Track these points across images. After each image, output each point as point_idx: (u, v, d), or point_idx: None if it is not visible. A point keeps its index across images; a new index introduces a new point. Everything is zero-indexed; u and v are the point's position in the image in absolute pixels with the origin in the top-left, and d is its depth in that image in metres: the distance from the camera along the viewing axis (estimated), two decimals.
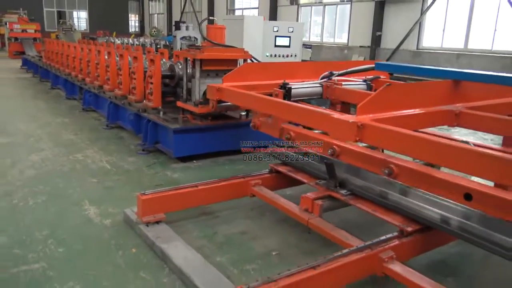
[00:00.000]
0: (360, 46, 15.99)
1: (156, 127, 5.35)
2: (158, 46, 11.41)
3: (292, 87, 3.37)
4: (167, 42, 13.61)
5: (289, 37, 8.11)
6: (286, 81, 3.47)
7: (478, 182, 2.18)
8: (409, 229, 2.73)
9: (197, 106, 4.93)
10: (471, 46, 12.87)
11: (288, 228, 3.49)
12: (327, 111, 2.73)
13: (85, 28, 31.15)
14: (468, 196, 2.11)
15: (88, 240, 3.20)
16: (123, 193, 4.11)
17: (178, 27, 6.96)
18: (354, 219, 3.59)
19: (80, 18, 32.10)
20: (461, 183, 2.13)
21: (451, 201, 2.65)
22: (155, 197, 3.33)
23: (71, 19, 30.19)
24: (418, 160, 2.73)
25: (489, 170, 1.92)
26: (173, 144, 4.93)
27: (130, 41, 14.71)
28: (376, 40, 15.28)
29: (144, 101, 5.76)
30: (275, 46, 8.09)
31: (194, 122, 5.12)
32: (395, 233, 2.74)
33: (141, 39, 16.01)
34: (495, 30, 12.23)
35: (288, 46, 8.17)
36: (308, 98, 3.56)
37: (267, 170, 3.92)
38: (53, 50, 10.84)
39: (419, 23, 14.04)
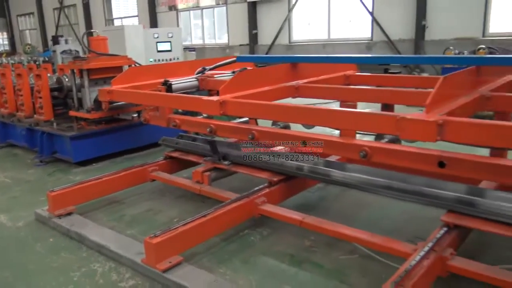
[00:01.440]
0: (240, 45, 17.11)
1: (52, 137, 5.61)
2: (37, 63, 11.19)
3: (173, 83, 4.03)
4: (46, 58, 13.28)
5: (170, 42, 8.75)
6: (167, 79, 4.12)
7: (312, 132, 3.08)
8: (275, 179, 3.59)
9: (90, 112, 5.33)
10: (333, 36, 14.67)
11: (186, 201, 4.15)
12: (199, 97, 3.46)
13: None
14: (303, 143, 3.01)
15: (6, 239, 3.53)
16: (29, 199, 4.40)
17: (56, 42, 7.11)
18: (238, 185, 4.36)
19: None
20: (300, 135, 3.02)
21: (308, 154, 3.56)
22: (64, 192, 3.76)
23: None
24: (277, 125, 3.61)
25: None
26: (72, 151, 5.28)
27: (4, 60, 14.01)
28: (253, 38, 16.51)
29: (35, 115, 5.95)
30: (158, 51, 8.66)
31: (89, 128, 5.50)
32: (266, 184, 3.59)
33: (16, 58, 15.27)
34: (350, 21, 14.16)
35: (170, 50, 8.80)
36: (187, 91, 4.25)
37: (162, 157, 4.54)
38: None
39: (288, 20, 15.55)
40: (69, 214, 3.74)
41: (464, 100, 2.45)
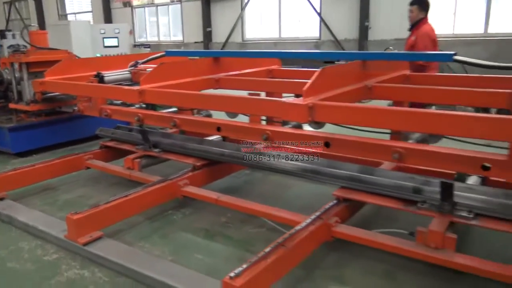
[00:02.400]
0: (195, 42, 17.31)
1: None
2: None
3: (105, 75, 4.26)
4: None
5: (117, 37, 8.88)
6: (101, 71, 4.35)
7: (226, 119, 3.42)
8: (198, 164, 3.91)
9: (29, 105, 5.44)
10: (284, 35, 15.16)
11: (120, 187, 4.35)
12: (121, 86, 3.73)
13: None
14: (218, 129, 3.34)
15: None
16: None
17: (4, 36, 7.10)
18: (170, 171, 4.63)
19: None
20: (215, 121, 3.35)
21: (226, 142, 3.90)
22: None
23: None
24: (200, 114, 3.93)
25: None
26: (10, 142, 5.38)
27: None
28: (207, 35, 16.76)
29: None
30: (104, 47, 8.77)
31: (29, 120, 5.62)
32: (190, 169, 3.90)
33: None
34: (299, 21, 14.68)
35: (117, 46, 8.93)
36: (120, 83, 4.48)
37: (99, 148, 4.76)
38: None
39: (241, 18, 15.90)
40: (1, 199, 3.90)
41: (345, 89, 2.86)
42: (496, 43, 11.13)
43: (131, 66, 4.57)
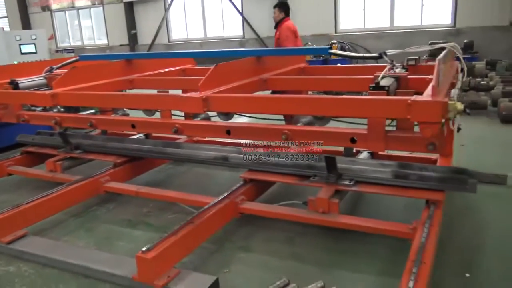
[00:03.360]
0: (120, 45, 17.13)
1: None
2: None
3: (20, 82, 4.35)
4: None
5: (34, 43, 8.72)
6: (15, 78, 4.42)
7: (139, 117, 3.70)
8: (119, 161, 4.14)
9: None
10: (209, 35, 15.47)
11: (43, 191, 4.41)
12: (34, 92, 3.91)
13: None
14: (133, 126, 3.61)
15: None
16: None
17: None
18: (93, 171, 4.81)
19: None
20: (129, 119, 3.61)
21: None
22: None
23: None
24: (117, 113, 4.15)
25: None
26: None
27: None
28: (133, 38, 16.67)
29: None
30: (22, 53, 8.59)
31: None
32: (111, 166, 4.13)
33: None
34: (223, 20, 15.07)
35: (35, 52, 8.77)
36: (37, 89, 4.58)
37: (19, 153, 4.82)
38: None
39: (165, 19, 16.00)
40: None
41: (241, 83, 3.26)
42: (401, 35, 12.22)
43: (46, 72, 4.67)
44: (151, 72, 4.44)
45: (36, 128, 5.11)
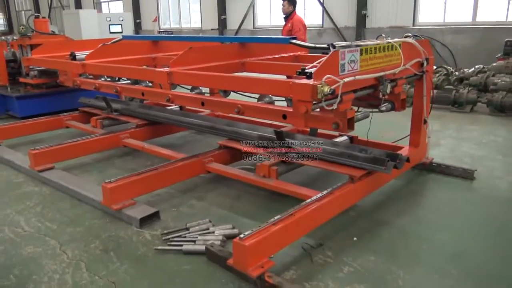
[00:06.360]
0: (212, 29, 18.49)
1: (5, 98, 7.15)
2: None
3: (77, 54, 5.51)
4: None
5: (121, 24, 10.19)
6: (74, 51, 5.61)
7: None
8: (140, 123, 5.10)
9: (32, 79, 6.84)
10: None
11: None
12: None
13: None
14: (202, 104, 4.51)
15: None
16: None
17: None
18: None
19: None
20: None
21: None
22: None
23: None
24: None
25: None
26: (18, 108, 6.82)
27: None
28: (222, 22, 17.88)
29: None
30: (110, 32, 10.11)
31: (33, 91, 7.02)
32: (133, 126, 5.10)
33: (8, 37, 16.71)
34: (304, 9, 15.49)
35: (121, 32, 10.25)
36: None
37: (77, 111, 6.07)
38: None
39: (252, 6, 16.90)
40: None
41: (216, 64, 3.95)
42: (482, 31, 11.56)
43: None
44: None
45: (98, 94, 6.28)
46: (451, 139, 5.51)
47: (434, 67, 7.93)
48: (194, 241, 2.97)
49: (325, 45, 3.60)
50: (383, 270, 2.67)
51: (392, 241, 3.03)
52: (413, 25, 12.89)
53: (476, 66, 7.94)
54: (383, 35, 4.61)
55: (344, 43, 3.31)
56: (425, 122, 4.12)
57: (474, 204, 3.64)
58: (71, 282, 2.61)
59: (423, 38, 4.25)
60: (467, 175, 4.15)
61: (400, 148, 4.14)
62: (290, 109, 3.27)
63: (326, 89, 2.61)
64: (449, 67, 8.21)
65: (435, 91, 7.01)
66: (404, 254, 2.87)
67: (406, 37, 9.68)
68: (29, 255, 2.93)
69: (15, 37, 14.22)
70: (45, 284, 2.59)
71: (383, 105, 3.48)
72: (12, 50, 7.70)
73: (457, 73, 7.90)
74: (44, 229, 3.30)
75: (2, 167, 4.77)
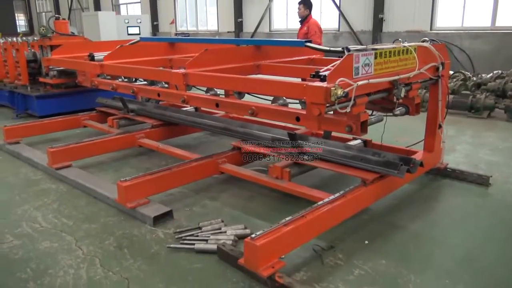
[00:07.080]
0: (228, 32, 18.61)
1: (25, 97, 7.32)
2: None
3: (95, 55, 5.62)
4: None
5: (139, 26, 10.35)
6: (93, 52, 5.72)
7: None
8: (155, 123, 5.17)
9: (52, 79, 6.99)
10: None
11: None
12: (85, 62, 5.08)
13: None
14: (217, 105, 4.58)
15: None
16: None
17: None
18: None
19: None
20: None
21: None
22: (14, 128, 5.43)
23: None
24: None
25: None
26: (37, 107, 6.97)
27: (19, 39, 15.83)
28: (238, 25, 17.99)
29: (16, 81, 7.66)
30: (128, 34, 10.27)
31: (52, 91, 7.17)
32: (149, 126, 5.18)
33: (29, 38, 17.11)
34: (321, 13, 15.49)
35: (139, 34, 10.40)
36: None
37: (95, 111, 6.18)
38: None
39: (268, 10, 16.97)
40: (17, 143, 5.41)
41: (231, 66, 3.99)
42: (500, 36, 11.41)
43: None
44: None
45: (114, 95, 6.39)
46: (466, 144, 5.45)
47: (451, 72, 7.90)
48: (206, 240, 3.00)
49: (340, 49, 3.60)
50: (394, 273, 2.66)
51: (404, 245, 3.02)
52: (431, 29, 12.78)
53: (494, 72, 7.82)
54: (399, 39, 4.57)
55: (359, 47, 3.31)
56: (440, 127, 4.09)
57: (488, 209, 3.60)
58: (85, 277, 2.67)
59: (440, 43, 4.25)
60: (482, 181, 4.11)
61: (414, 152, 4.11)
62: (304, 112, 3.28)
63: (340, 91, 2.62)
64: (466, 72, 8.13)
65: (451, 96, 6.95)
66: (415, 258, 2.86)
67: (423, 41, 9.61)
68: (45, 250, 3.00)
69: (35, 38, 14.56)
70: (60, 278, 2.66)
71: (397, 109, 3.46)
72: (32, 50, 7.88)
73: (474, 78, 7.81)
74: (61, 225, 3.38)
75: (21, 164, 4.89)
